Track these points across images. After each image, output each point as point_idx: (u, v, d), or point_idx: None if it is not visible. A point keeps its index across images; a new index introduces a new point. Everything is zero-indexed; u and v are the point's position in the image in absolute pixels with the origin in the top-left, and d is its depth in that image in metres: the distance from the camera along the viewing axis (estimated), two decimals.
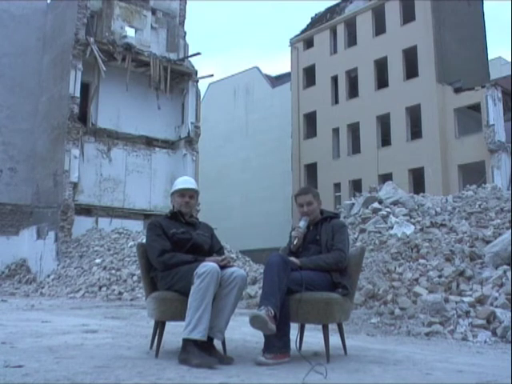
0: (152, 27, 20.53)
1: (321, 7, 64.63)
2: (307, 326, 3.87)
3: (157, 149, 20.09)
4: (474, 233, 7.48)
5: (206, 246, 3.58)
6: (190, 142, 20.16)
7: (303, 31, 32.01)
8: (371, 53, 27.21)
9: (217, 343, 3.26)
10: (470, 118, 24.17)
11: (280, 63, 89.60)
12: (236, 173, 33.74)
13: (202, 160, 22.63)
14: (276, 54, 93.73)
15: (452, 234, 7.79)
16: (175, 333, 4.02)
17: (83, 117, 18.34)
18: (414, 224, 8.74)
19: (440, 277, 6.17)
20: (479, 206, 9.06)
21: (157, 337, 3.34)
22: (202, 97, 23.20)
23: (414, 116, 25.31)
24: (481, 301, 5.39)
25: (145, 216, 18.74)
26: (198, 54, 21.11)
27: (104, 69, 18.01)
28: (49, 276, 15.51)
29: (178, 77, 20.57)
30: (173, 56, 20.71)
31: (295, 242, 3.58)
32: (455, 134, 24.17)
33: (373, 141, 26.55)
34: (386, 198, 10.26)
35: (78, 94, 17.72)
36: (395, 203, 10.01)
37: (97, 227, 17.54)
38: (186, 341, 3.05)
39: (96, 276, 13.28)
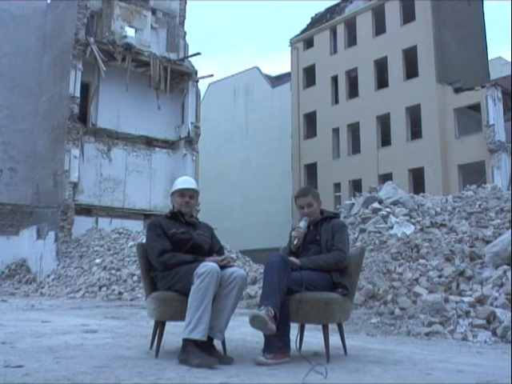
0: (152, 27, 20.53)
1: (321, 7, 64.69)
2: (307, 325, 3.86)
3: (157, 149, 20.09)
4: (474, 233, 7.48)
5: (206, 246, 3.58)
6: (190, 141, 20.17)
7: (303, 31, 32.02)
8: (371, 53, 27.21)
9: (217, 343, 3.26)
10: (470, 118, 24.18)
11: (280, 63, 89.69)
12: (236, 173, 33.74)
13: (202, 160, 22.63)
14: (276, 54, 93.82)
15: (452, 234, 7.79)
16: (175, 333, 4.02)
17: (83, 117, 18.34)
18: (414, 224, 8.74)
19: (440, 277, 6.17)
20: (479, 205, 9.06)
21: (157, 337, 3.34)
22: (202, 97, 23.21)
23: (414, 116, 25.32)
24: (481, 301, 5.39)
25: (145, 216, 18.74)
26: (198, 54, 21.12)
27: (104, 69, 18.01)
28: (49, 276, 15.51)
29: (178, 77, 20.57)
30: (173, 56, 20.71)
31: (295, 242, 3.58)
32: (455, 134, 24.17)
33: (373, 141, 26.55)
34: (386, 198, 10.26)
35: (78, 94, 17.72)
36: (395, 203, 10.01)
37: (97, 227, 17.54)
38: (186, 341, 3.05)
39: (96, 276, 13.28)
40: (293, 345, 3.22)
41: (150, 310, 3.44)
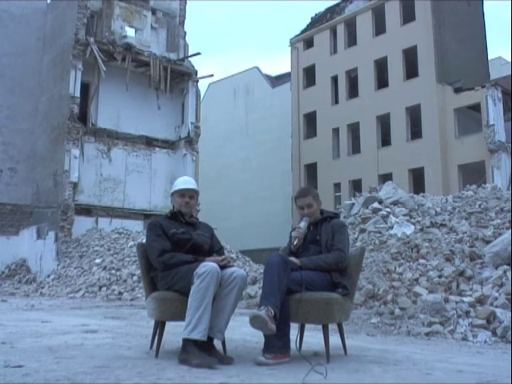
0: (152, 27, 20.54)
1: (321, 7, 64.69)
2: (307, 325, 3.86)
3: (157, 149, 20.09)
4: (474, 233, 7.48)
5: (206, 246, 3.58)
6: (190, 141, 20.17)
7: (303, 31, 32.02)
8: (371, 53, 27.22)
9: (217, 343, 3.26)
10: (470, 118, 24.18)
11: (280, 63, 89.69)
12: (236, 173, 33.74)
13: (202, 160, 22.63)
14: (276, 54, 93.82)
15: (452, 234, 7.79)
16: (175, 333, 4.02)
17: (83, 117, 18.34)
18: (414, 224, 8.74)
19: (440, 277, 6.17)
20: (479, 206, 9.06)
21: (157, 337, 3.34)
22: (202, 97, 23.21)
23: (414, 116, 25.32)
24: (481, 301, 5.39)
25: (145, 216, 18.74)
26: (198, 54, 21.12)
27: (104, 69, 18.01)
28: (49, 276, 15.51)
29: (178, 77, 20.57)
30: (173, 56, 20.71)
31: (295, 243, 3.58)
32: (455, 134, 24.17)
33: (373, 141, 26.55)
34: (386, 198, 10.26)
35: (78, 94, 17.72)
36: (395, 203, 10.01)
37: (97, 227, 17.54)
38: (186, 341, 3.05)
39: (96, 276, 13.28)
40: (293, 345, 3.22)
41: (150, 310, 3.44)
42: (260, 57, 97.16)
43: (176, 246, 3.45)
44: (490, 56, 30.37)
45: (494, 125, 22.69)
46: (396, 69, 26.22)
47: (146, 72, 19.65)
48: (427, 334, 4.90)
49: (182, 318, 3.13)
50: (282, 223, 27.92)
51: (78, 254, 15.80)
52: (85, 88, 18.57)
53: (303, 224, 3.62)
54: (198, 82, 21.08)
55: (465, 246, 7.07)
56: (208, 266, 3.13)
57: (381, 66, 27.03)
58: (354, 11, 28.82)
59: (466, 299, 5.39)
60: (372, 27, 27.91)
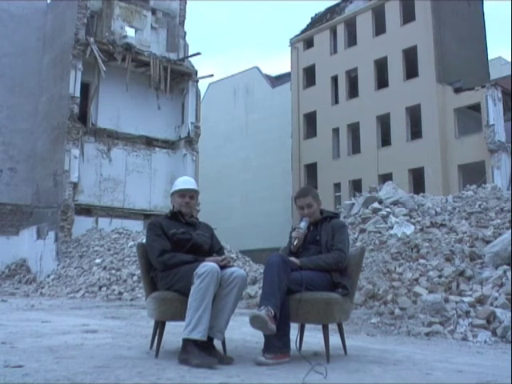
0: (152, 27, 20.54)
1: (321, 7, 64.70)
2: (307, 325, 3.86)
3: (157, 149, 20.09)
4: (474, 233, 7.48)
5: (206, 246, 3.58)
6: (190, 142, 20.17)
7: (303, 31, 32.01)
8: (371, 53, 27.21)
9: (217, 343, 3.26)
10: (470, 118, 24.18)
11: (280, 63, 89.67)
12: (236, 173, 33.74)
13: (202, 160, 22.63)
14: (276, 54, 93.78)
15: (452, 234, 7.79)
16: (175, 333, 4.02)
17: (83, 117, 18.34)
18: (414, 224, 8.75)
19: (440, 277, 6.17)
20: (479, 206, 9.06)
21: (157, 337, 3.34)
22: (202, 97, 23.20)
23: (414, 116, 25.32)
24: (481, 301, 5.39)
25: (145, 216, 18.74)
26: (198, 54, 21.12)
27: (104, 69, 18.01)
28: (49, 276, 15.51)
29: (177, 77, 20.57)
30: (173, 56, 20.71)
31: (295, 243, 3.58)
32: (455, 134, 24.17)
33: (373, 141, 26.55)
34: (386, 198, 10.26)
35: (78, 94, 17.72)
36: (395, 203, 10.01)
37: (97, 227, 17.54)
38: (186, 341, 3.05)
39: (96, 276, 13.28)
40: (293, 345, 3.22)
41: (150, 310, 3.44)
42: (260, 57, 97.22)
43: (176, 246, 3.45)
44: (490, 56, 30.40)
45: (493, 125, 22.69)
46: (396, 69, 26.21)
47: (146, 72, 19.65)
48: (427, 334, 4.90)
49: (181, 318, 3.13)
50: (281, 223, 27.93)
51: (77, 253, 15.80)
52: (85, 88, 18.57)
53: (303, 224, 3.62)
54: (197, 82, 21.08)
55: (465, 245, 7.06)
56: (208, 266, 3.13)
57: (381, 66, 27.03)
58: (354, 11, 28.82)
59: (465, 299, 5.39)
60: (372, 27, 27.91)
